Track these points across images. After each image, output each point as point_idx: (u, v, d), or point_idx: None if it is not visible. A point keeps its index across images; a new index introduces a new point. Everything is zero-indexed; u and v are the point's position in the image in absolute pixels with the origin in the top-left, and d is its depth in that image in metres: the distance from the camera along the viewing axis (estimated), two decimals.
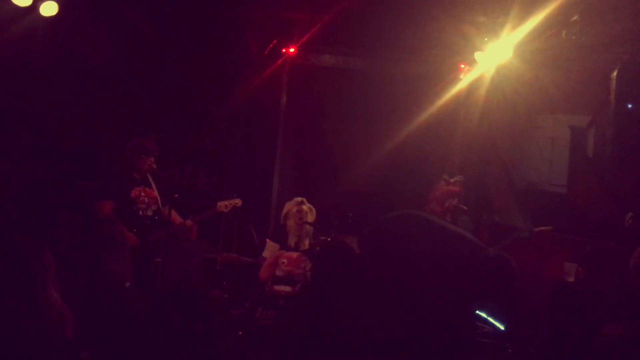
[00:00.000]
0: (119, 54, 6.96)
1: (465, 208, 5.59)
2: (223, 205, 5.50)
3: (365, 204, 7.15)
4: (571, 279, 5.13)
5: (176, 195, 5.24)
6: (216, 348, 1.86)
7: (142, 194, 5.15)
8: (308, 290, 2.75)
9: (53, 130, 6.61)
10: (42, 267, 2.54)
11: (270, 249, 5.80)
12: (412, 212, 1.79)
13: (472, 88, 7.38)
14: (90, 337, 2.60)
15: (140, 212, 5.11)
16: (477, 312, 6.05)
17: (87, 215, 5.33)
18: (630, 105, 6.44)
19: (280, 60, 7.51)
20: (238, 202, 5.56)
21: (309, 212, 5.80)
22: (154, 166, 5.20)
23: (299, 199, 5.86)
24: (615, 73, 6.37)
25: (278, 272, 5.50)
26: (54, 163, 6.54)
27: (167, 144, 5.95)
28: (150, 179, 5.28)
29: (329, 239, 5.45)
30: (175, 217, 5.36)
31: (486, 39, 6.51)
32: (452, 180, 5.56)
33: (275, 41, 7.36)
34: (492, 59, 6.66)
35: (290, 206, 5.87)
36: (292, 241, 5.78)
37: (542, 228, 5.58)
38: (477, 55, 6.75)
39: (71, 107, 6.74)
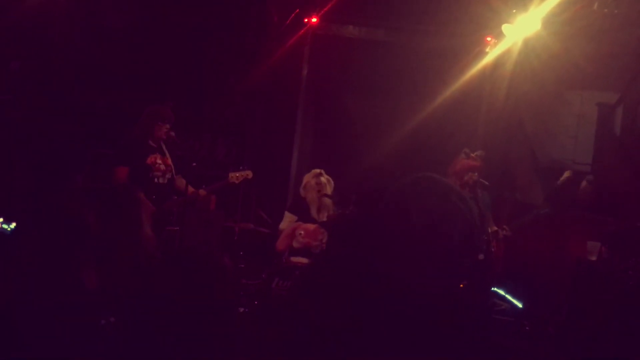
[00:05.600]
0: (140, 21, 6.93)
1: (486, 183, 5.49)
2: (235, 176, 5.50)
3: (386, 180, 7.06)
4: (594, 258, 5.04)
5: (194, 164, 5.23)
6: (220, 315, 1.82)
7: (158, 161, 5.14)
8: (321, 262, 2.70)
9: (72, 95, 6.62)
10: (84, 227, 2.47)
11: (288, 220, 5.78)
12: (430, 175, 1.70)
13: (499, 62, 7.20)
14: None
15: (156, 180, 5.11)
16: (495, 289, 6.00)
17: (104, 182, 5.35)
18: None
19: (302, 31, 7.40)
20: (249, 174, 5.55)
21: (327, 184, 5.75)
22: (171, 133, 5.17)
23: (317, 170, 5.81)
24: None
25: (295, 244, 5.47)
26: (72, 129, 6.56)
27: (187, 114, 5.93)
28: (164, 148, 5.27)
29: (346, 212, 5.39)
30: (188, 188, 5.35)
31: (514, 11, 6.33)
32: (472, 154, 5.45)
33: (297, 11, 7.25)
34: (520, 31, 6.49)
35: (308, 178, 5.82)
36: (310, 213, 5.75)
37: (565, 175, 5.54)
38: (505, 27, 6.57)
39: (91, 73, 6.74)
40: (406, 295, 1.61)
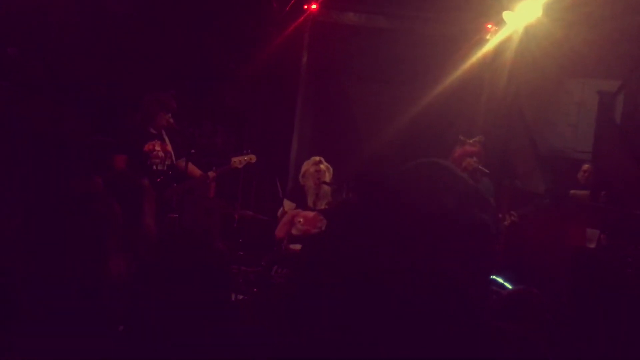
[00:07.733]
0: (141, 6, 6.88)
1: (486, 171, 5.48)
2: (237, 160, 5.48)
3: (384, 166, 7.02)
4: (593, 246, 5.05)
5: (193, 151, 5.22)
6: (215, 297, 1.83)
7: (157, 147, 5.12)
8: (318, 247, 2.68)
9: (71, 82, 6.58)
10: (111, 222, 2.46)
11: (287, 207, 5.78)
12: (434, 160, 1.68)
13: (500, 50, 7.16)
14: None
15: (154, 167, 5.10)
16: (493, 276, 6.01)
17: (103, 170, 5.33)
18: None
19: (302, 18, 7.36)
20: (252, 157, 5.53)
21: (327, 171, 5.75)
22: (172, 121, 5.16)
23: (317, 158, 5.80)
24: None
25: (294, 231, 5.48)
26: (71, 117, 6.53)
27: (186, 102, 5.90)
28: (164, 134, 5.25)
29: (344, 199, 5.39)
30: (194, 170, 5.34)
31: None
32: (469, 140, 5.45)
33: None
34: (521, 18, 6.45)
35: (307, 165, 5.82)
36: (309, 201, 5.75)
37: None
38: (506, 14, 6.53)
39: (90, 59, 6.70)
40: (412, 281, 1.61)
